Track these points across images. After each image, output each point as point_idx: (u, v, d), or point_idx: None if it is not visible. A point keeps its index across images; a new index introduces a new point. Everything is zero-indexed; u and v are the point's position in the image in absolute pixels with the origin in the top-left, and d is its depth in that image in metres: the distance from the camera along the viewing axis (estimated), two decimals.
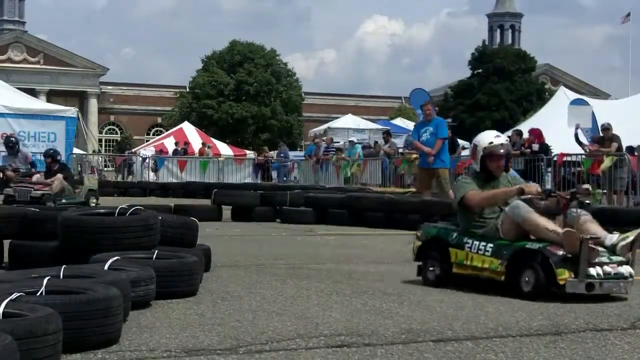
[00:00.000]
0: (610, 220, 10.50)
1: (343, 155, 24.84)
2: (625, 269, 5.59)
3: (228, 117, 53.60)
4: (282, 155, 32.00)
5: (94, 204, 14.42)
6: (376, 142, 27.33)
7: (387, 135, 25.50)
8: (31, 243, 6.66)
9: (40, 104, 33.11)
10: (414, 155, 15.50)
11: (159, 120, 66.26)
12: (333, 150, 25.67)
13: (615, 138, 16.86)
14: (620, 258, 5.61)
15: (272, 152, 34.95)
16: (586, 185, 6.67)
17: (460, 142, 23.90)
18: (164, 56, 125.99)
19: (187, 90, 58.22)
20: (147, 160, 31.13)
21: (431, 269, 6.29)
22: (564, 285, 5.47)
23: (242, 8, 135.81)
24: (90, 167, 31.10)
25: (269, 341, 4.22)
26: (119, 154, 39.41)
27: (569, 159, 18.96)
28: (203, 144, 33.83)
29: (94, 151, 34.44)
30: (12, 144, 17.61)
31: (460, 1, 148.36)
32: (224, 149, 36.09)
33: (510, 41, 75.97)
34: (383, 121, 40.75)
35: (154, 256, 5.74)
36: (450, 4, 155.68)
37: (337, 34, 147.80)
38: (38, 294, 4.12)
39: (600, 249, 5.59)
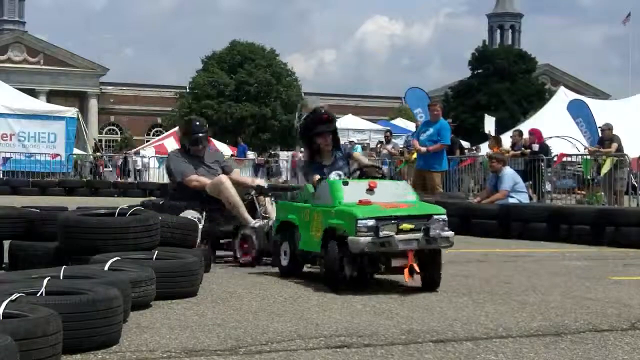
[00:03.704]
0: (610, 220, 10.53)
1: None
2: None
3: (228, 117, 53.61)
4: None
5: None
6: (381, 142, 27.29)
7: (389, 135, 25.54)
8: (31, 244, 6.66)
9: (40, 105, 33.18)
10: (414, 156, 15.51)
11: (159, 120, 66.26)
12: None
13: (615, 138, 16.86)
14: None
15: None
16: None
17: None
18: (164, 56, 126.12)
19: (187, 90, 58.22)
20: (146, 160, 31.13)
21: None
22: None
23: (242, 8, 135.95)
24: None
25: (269, 342, 4.22)
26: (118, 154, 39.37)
27: (568, 159, 18.98)
28: None
29: (93, 152, 34.41)
30: None
31: (460, 1, 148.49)
32: (224, 149, 36.07)
33: (510, 41, 75.98)
34: (383, 121, 40.76)
35: (154, 257, 5.74)
36: (450, 4, 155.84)
37: (337, 34, 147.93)
38: (38, 294, 4.12)
39: None
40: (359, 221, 5.61)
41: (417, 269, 5.72)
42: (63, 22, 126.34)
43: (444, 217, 5.85)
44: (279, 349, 4.08)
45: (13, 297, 3.69)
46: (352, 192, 5.99)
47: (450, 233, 5.82)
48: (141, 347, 4.06)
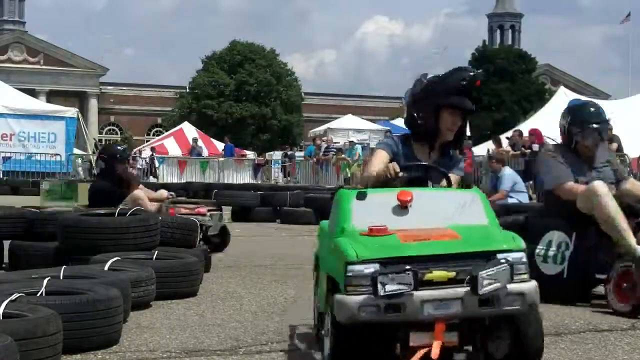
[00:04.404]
0: None
1: (343, 155, 24.84)
2: None
3: (228, 117, 53.63)
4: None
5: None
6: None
7: (390, 135, 25.58)
8: (31, 244, 6.67)
9: (40, 104, 33.15)
10: None
11: (159, 120, 66.25)
12: (333, 151, 25.67)
13: (615, 138, 16.85)
14: None
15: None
16: None
17: None
18: (164, 56, 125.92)
19: (187, 90, 58.23)
20: (146, 161, 31.12)
21: None
22: None
23: (242, 8, 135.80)
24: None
25: (269, 342, 4.22)
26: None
27: None
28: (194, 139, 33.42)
29: (93, 152, 34.43)
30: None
31: (460, 1, 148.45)
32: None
33: (510, 41, 75.95)
34: (383, 121, 40.75)
35: (154, 257, 5.75)
36: (450, 4, 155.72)
37: (337, 34, 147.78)
38: (38, 294, 4.12)
39: None
40: (350, 267, 3.34)
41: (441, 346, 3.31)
42: (63, 22, 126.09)
43: (519, 255, 3.43)
44: (278, 349, 4.08)
45: (13, 297, 3.69)
46: (370, 211, 3.64)
47: (526, 286, 3.36)
48: (141, 347, 4.06)
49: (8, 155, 28.32)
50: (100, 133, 65.66)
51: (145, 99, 69.70)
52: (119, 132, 67.33)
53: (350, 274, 3.33)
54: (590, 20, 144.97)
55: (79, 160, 30.73)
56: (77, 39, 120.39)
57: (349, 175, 23.71)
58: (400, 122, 39.42)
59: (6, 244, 6.96)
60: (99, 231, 5.94)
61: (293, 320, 4.80)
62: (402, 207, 3.66)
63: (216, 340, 4.24)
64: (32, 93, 47.71)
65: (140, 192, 8.08)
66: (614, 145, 16.53)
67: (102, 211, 6.59)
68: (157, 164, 30.51)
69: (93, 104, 67.52)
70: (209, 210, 8.79)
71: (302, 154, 32.55)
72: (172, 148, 34.87)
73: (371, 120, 39.65)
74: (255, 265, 7.58)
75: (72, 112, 30.56)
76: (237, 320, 4.80)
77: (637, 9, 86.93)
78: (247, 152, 36.34)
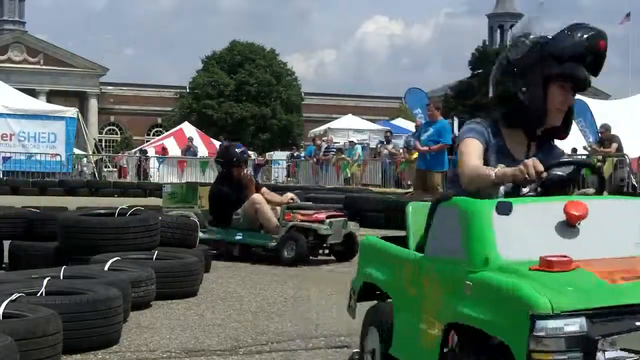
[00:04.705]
0: None
1: (343, 155, 24.84)
2: None
3: (228, 117, 53.68)
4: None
5: None
6: (382, 142, 27.32)
7: (389, 135, 25.61)
8: (31, 244, 6.67)
9: (40, 105, 33.14)
10: (414, 156, 15.52)
11: (159, 120, 66.33)
12: (333, 151, 25.67)
13: (615, 138, 16.87)
14: None
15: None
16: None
17: None
18: (164, 56, 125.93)
19: (187, 90, 58.30)
20: (148, 161, 31.14)
21: None
22: None
23: (242, 8, 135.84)
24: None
25: (269, 342, 4.23)
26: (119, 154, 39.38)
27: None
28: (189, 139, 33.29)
29: (93, 152, 34.46)
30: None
31: (460, 1, 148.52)
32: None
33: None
34: (383, 121, 40.75)
35: (154, 257, 5.75)
36: (450, 4, 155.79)
37: (337, 34, 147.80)
38: (38, 294, 4.12)
39: None
40: (540, 322, 2.27)
41: None
42: (63, 22, 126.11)
43: None
44: (279, 349, 4.09)
45: (13, 297, 3.69)
46: (523, 233, 2.60)
47: None
48: (141, 347, 4.06)
49: (8, 155, 28.32)
50: (100, 133, 65.73)
51: (145, 99, 69.76)
52: (119, 132, 67.41)
53: (541, 333, 2.24)
54: (590, 20, 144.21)
55: (84, 160, 30.72)
56: (77, 39, 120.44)
57: (349, 175, 23.71)
58: (400, 122, 39.45)
59: (6, 244, 6.95)
60: (99, 231, 5.94)
61: (293, 320, 4.80)
62: (571, 226, 2.58)
63: (216, 340, 4.25)
64: (32, 93, 47.75)
65: (259, 197, 7.95)
66: (614, 146, 16.55)
67: (102, 211, 6.59)
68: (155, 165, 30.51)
69: (93, 104, 67.59)
70: (328, 217, 8.04)
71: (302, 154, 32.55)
72: (172, 148, 34.87)
73: (371, 120, 39.66)
74: (255, 266, 7.58)
75: (72, 112, 30.55)
76: (237, 320, 4.80)
77: (637, 9, 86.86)
78: (249, 152, 36.30)
